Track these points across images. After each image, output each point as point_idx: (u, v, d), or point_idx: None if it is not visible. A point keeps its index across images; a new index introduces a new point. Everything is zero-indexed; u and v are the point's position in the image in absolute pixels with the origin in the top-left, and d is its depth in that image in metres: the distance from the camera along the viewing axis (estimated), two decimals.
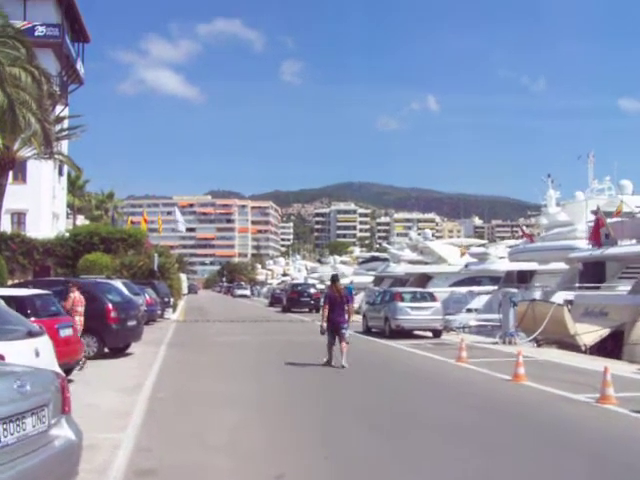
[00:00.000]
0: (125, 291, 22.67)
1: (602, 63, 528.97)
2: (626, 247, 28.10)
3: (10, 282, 29.64)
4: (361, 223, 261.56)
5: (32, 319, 11.00)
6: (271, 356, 18.33)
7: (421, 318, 24.24)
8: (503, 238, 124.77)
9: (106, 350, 17.46)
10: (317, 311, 40.02)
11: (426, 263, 50.48)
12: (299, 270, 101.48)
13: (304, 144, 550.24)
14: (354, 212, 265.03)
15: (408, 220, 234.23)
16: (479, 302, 37.76)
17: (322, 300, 22.27)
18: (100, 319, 17.00)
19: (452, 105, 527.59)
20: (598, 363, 16.39)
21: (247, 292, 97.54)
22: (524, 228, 54.66)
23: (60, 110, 39.24)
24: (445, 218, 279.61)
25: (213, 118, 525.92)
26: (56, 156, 33.33)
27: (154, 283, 35.16)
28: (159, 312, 32.84)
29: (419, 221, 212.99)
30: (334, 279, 17.58)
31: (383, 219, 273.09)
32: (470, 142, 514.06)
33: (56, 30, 42.54)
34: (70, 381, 11.36)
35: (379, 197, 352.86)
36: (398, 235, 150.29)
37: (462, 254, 48.91)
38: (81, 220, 62.49)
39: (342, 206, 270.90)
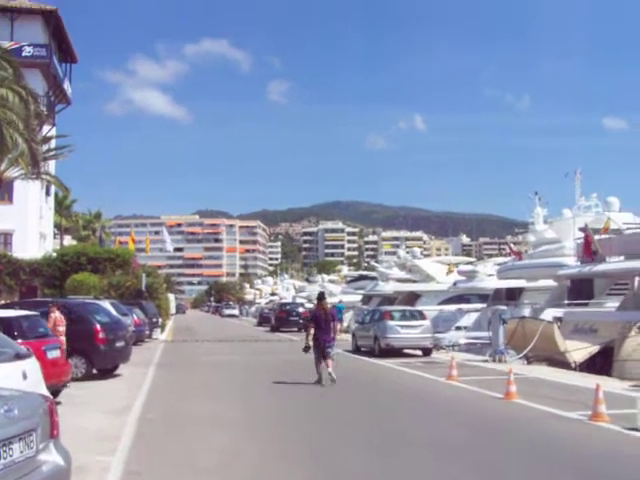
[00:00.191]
0: (113, 311, 22.50)
1: (586, 82, 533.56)
2: (614, 264, 28.19)
3: None
4: (349, 242, 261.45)
5: (19, 341, 10.87)
6: (260, 376, 18.19)
7: (411, 337, 24.15)
8: (491, 255, 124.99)
9: (94, 371, 17.28)
10: (306, 330, 39.83)
11: (414, 281, 50.39)
12: (287, 289, 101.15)
13: (291, 163, 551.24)
14: (342, 231, 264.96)
15: (396, 238, 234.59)
16: (468, 320, 37.72)
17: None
18: (88, 340, 16.86)
19: (439, 124, 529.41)
20: (589, 380, 16.41)
21: (235, 312, 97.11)
22: (512, 246, 54.78)
23: (47, 130, 39.21)
24: (433, 236, 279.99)
25: (200, 138, 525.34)
26: (43, 176, 33.26)
27: (142, 303, 34.93)
28: (147, 332, 32.61)
29: (407, 239, 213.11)
30: (321, 297, 17.65)
31: (371, 238, 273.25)
32: (457, 161, 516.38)
33: (43, 50, 42.52)
34: (58, 403, 11.20)
35: (367, 216, 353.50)
36: (386, 254, 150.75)
37: (450, 272, 48.90)
38: (68, 240, 62.13)
39: (330, 225, 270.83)
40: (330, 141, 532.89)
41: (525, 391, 13.96)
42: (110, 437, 9.90)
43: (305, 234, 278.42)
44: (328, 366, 16.19)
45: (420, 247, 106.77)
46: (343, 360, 22.52)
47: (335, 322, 17.14)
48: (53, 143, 37.24)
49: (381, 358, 22.98)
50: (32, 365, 9.20)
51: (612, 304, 27.76)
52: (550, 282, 33.96)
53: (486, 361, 22.13)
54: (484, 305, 37.55)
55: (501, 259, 57.27)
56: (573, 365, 22.06)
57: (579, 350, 22.84)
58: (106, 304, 23.70)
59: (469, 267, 48.93)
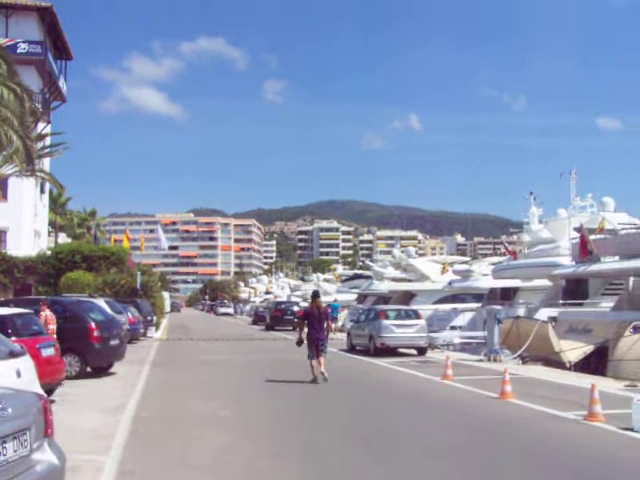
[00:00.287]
0: (108, 310, 22.44)
1: (580, 83, 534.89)
2: (609, 264, 28.26)
3: None
4: (344, 241, 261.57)
5: (13, 339, 10.82)
6: (255, 375, 18.15)
7: (406, 336, 24.14)
8: (485, 255, 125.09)
9: (89, 370, 17.22)
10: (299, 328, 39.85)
11: (409, 281, 50.46)
12: (282, 288, 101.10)
13: (287, 162, 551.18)
14: (337, 230, 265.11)
15: (391, 238, 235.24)
16: (463, 319, 37.82)
17: None
18: (82, 338, 16.80)
19: (434, 124, 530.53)
20: (584, 380, 16.41)
21: (230, 310, 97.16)
22: (507, 245, 54.83)
23: (42, 127, 39.10)
24: (428, 235, 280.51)
25: (196, 136, 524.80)
26: (38, 173, 33.11)
27: (137, 301, 34.87)
28: (142, 331, 32.56)
29: (402, 238, 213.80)
30: (315, 295, 17.81)
31: (366, 237, 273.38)
32: (452, 160, 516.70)
33: (39, 47, 42.35)
34: (52, 401, 11.15)
35: (362, 215, 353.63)
36: (381, 253, 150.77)
37: (445, 271, 48.94)
38: (63, 238, 61.95)
39: (325, 224, 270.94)
40: (325, 140, 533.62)
41: (520, 391, 13.95)
42: (104, 436, 9.85)
43: (300, 233, 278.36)
44: (321, 364, 16.37)
45: (415, 246, 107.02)
46: (338, 359, 22.56)
47: (329, 320, 17.35)
48: (48, 140, 37.16)
49: (376, 357, 22.97)
50: (26, 363, 9.17)
51: (607, 304, 27.86)
52: (545, 282, 34.04)
53: (481, 360, 22.12)
54: (479, 305, 37.62)
55: (496, 259, 57.43)
56: (568, 365, 22.08)
57: (574, 350, 22.87)
58: (101, 302, 23.65)
59: (464, 267, 49.01)
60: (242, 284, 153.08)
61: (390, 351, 23.78)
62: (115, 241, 57.73)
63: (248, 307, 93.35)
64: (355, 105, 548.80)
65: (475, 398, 14.04)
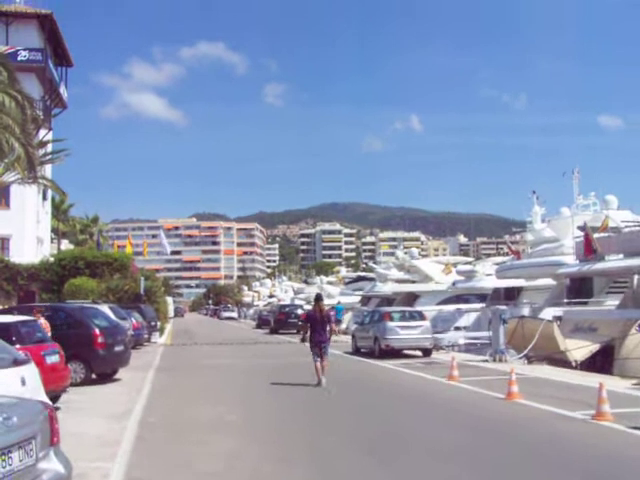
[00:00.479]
0: (112, 315, 22.42)
1: (581, 81, 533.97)
2: (613, 262, 28.18)
3: None
4: (346, 243, 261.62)
5: (17, 346, 10.78)
6: (260, 379, 18.10)
7: (411, 337, 24.07)
8: (488, 255, 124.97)
9: (93, 376, 17.17)
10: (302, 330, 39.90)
11: (413, 282, 50.34)
12: (285, 291, 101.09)
13: (288, 165, 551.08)
14: (339, 232, 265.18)
15: (393, 239, 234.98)
16: (467, 320, 37.70)
17: None
18: (87, 345, 16.75)
19: (435, 124, 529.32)
20: (591, 379, 16.35)
21: (234, 314, 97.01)
22: (510, 245, 54.75)
23: (44, 134, 39.14)
24: (430, 236, 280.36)
25: (197, 141, 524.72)
26: (40, 180, 33.16)
27: (140, 307, 34.84)
28: (146, 336, 32.53)
29: (404, 240, 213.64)
30: (318, 298, 17.82)
31: (368, 239, 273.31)
32: (454, 161, 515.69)
33: (39, 54, 42.47)
34: (57, 408, 11.12)
35: (364, 217, 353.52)
36: (384, 254, 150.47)
37: (448, 272, 48.84)
38: (66, 244, 61.99)
39: (327, 226, 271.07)
40: (326, 143, 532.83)
41: (527, 391, 13.88)
42: (110, 442, 9.80)
43: (302, 236, 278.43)
44: (323, 367, 16.42)
45: (418, 247, 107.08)
46: (343, 362, 22.53)
47: (331, 324, 17.50)
48: (49, 147, 37.20)
49: (381, 359, 22.91)
50: (31, 371, 9.12)
51: (611, 302, 27.76)
52: (549, 281, 33.94)
53: (486, 361, 22.05)
54: (483, 305, 37.53)
55: (499, 259, 57.31)
56: (574, 364, 22.01)
57: (580, 349, 22.80)
58: (104, 308, 23.64)
59: (468, 267, 48.91)
60: (245, 288, 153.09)
61: (395, 353, 23.72)
62: (118, 247, 57.68)
63: (252, 311, 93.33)
64: (355, 107, 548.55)
65: (481, 399, 13.99)
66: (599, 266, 28.03)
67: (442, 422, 11.62)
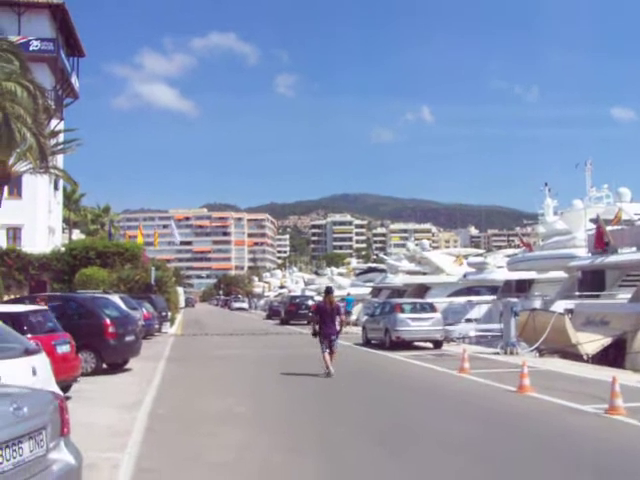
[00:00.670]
0: (122, 306, 22.46)
1: (594, 73, 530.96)
2: (626, 255, 27.99)
3: (6, 297, 29.41)
4: (357, 234, 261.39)
5: (28, 336, 10.79)
6: (271, 370, 18.10)
7: (422, 329, 24.03)
8: (499, 247, 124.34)
9: (104, 366, 17.21)
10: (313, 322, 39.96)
11: (424, 273, 50.20)
12: (296, 282, 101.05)
13: (299, 156, 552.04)
14: (350, 223, 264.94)
15: (404, 231, 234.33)
16: (478, 312, 37.58)
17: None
18: (98, 335, 16.78)
19: (446, 116, 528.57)
20: (603, 373, 16.26)
21: (245, 305, 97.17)
22: (522, 237, 54.53)
23: (55, 124, 39.21)
24: (441, 228, 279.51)
25: (208, 131, 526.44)
26: (51, 170, 33.21)
27: (151, 297, 34.88)
28: (157, 326, 32.57)
29: (415, 231, 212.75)
30: (328, 291, 17.88)
31: (379, 230, 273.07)
32: (465, 152, 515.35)
33: (51, 44, 42.50)
34: (68, 398, 11.14)
35: (375, 208, 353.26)
36: (395, 246, 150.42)
37: (459, 264, 48.70)
38: (77, 234, 62.25)
39: (338, 217, 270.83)
40: (338, 133, 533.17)
41: (538, 384, 13.80)
42: (121, 432, 9.80)
43: (313, 227, 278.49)
44: (332, 359, 16.53)
45: (429, 239, 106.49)
46: (354, 353, 22.52)
47: (341, 316, 17.69)
48: (61, 137, 37.20)
49: (392, 351, 22.88)
50: (42, 361, 9.10)
51: (624, 296, 27.54)
52: (560, 274, 33.75)
53: (497, 353, 21.97)
54: (494, 297, 37.40)
55: (511, 251, 57.12)
56: (585, 357, 21.87)
57: (591, 342, 22.65)
58: (115, 298, 23.67)
59: (479, 259, 48.76)
60: (256, 279, 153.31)
61: (406, 345, 23.67)
62: (129, 237, 57.85)
63: (262, 302, 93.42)
64: (367, 98, 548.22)
65: (493, 391, 13.93)
66: (612, 259, 27.85)
67: (453, 414, 11.57)
